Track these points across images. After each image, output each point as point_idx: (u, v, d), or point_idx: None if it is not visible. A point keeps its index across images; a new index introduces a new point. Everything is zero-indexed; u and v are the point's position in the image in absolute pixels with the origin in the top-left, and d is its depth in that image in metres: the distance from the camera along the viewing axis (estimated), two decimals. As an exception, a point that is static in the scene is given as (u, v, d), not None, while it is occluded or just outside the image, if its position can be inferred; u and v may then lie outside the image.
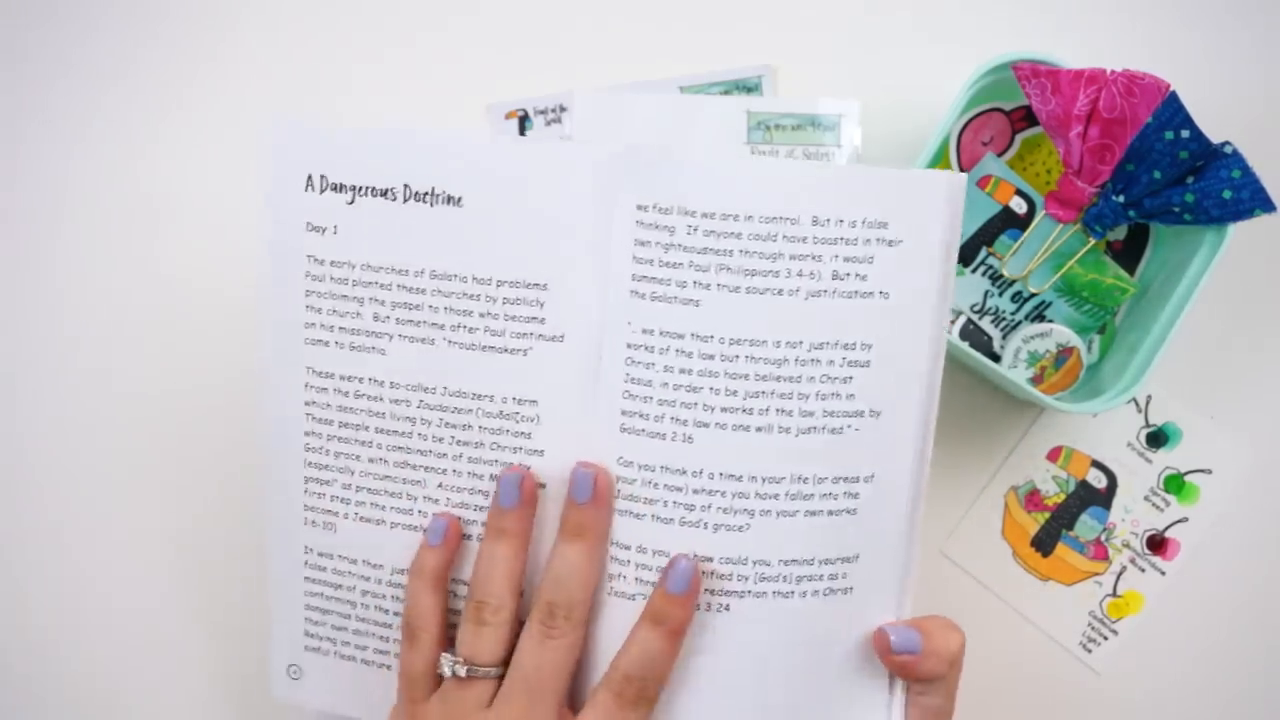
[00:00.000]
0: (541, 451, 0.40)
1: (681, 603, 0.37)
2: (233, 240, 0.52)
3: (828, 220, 0.36)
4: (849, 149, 0.52)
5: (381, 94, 0.53)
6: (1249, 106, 0.53)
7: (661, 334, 0.38)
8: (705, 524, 0.38)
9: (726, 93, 0.53)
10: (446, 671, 0.38)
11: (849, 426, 0.37)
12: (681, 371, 0.37)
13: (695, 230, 0.37)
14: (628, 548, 0.39)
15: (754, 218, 0.36)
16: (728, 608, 0.38)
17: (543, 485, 0.40)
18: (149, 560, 0.53)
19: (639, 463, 0.38)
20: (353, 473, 0.41)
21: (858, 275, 0.37)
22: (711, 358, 0.37)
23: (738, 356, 0.37)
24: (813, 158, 0.52)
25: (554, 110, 0.53)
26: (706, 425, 0.37)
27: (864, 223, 0.36)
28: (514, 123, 0.53)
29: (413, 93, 0.53)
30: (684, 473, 0.38)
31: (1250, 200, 0.45)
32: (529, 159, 0.38)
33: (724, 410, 0.37)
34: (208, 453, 0.52)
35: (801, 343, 0.37)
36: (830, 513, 0.38)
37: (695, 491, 0.38)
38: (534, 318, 0.39)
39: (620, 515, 0.39)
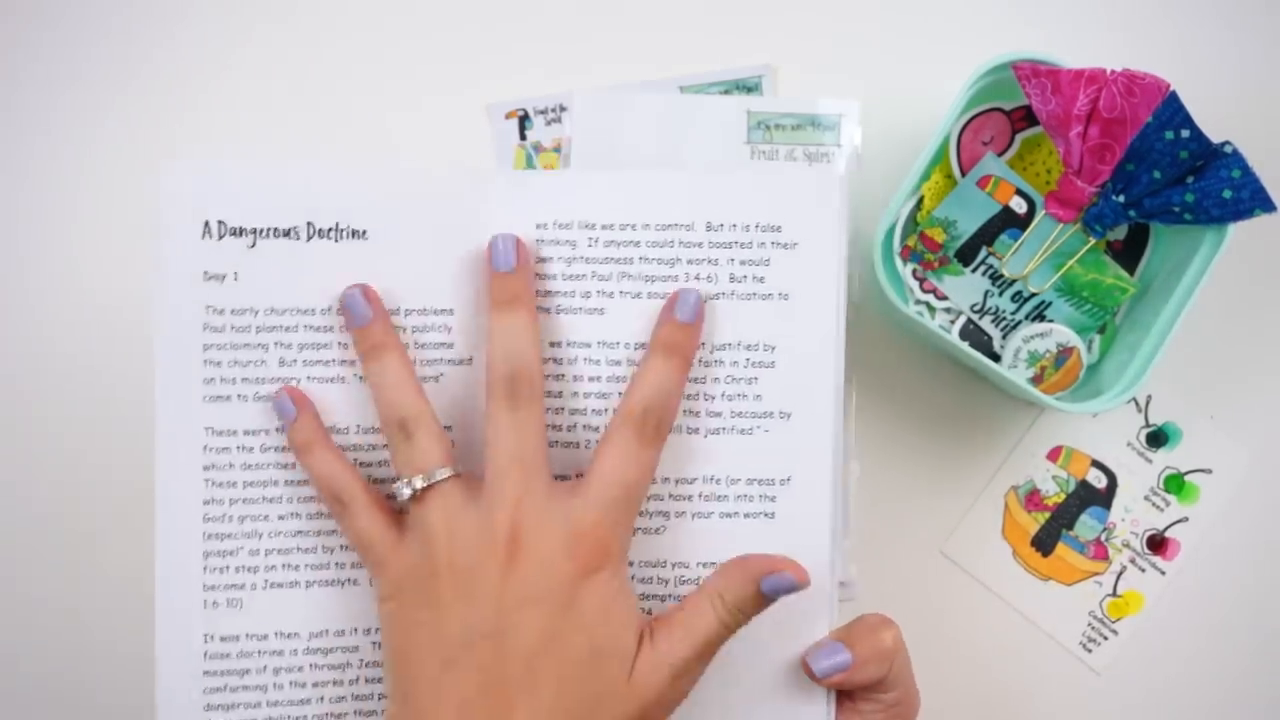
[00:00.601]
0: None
1: (691, 331, 0.37)
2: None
3: (720, 225, 0.38)
4: (849, 149, 0.52)
5: (382, 94, 0.53)
6: (1249, 106, 0.53)
7: (569, 345, 0.39)
8: None
9: (726, 93, 0.53)
10: (405, 493, 0.36)
11: (758, 428, 0.39)
12: (591, 379, 0.39)
13: (596, 241, 0.38)
14: None
15: (650, 225, 0.38)
16: (649, 612, 0.39)
17: None
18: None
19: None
20: (260, 535, 0.39)
21: (755, 278, 0.38)
22: (619, 363, 0.38)
23: None
24: (813, 158, 0.52)
25: (554, 110, 0.53)
26: None
27: (757, 226, 0.38)
28: (514, 123, 0.53)
29: (413, 93, 0.53)
30: None
31: (1250, 200, 0.45)
32: (432, 188, 0.39)
33: None
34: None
35: (703, 344, 0.38)
36: (746, 515, 0.39)
37: None
38: (442, 343, 0.39)
39: None
